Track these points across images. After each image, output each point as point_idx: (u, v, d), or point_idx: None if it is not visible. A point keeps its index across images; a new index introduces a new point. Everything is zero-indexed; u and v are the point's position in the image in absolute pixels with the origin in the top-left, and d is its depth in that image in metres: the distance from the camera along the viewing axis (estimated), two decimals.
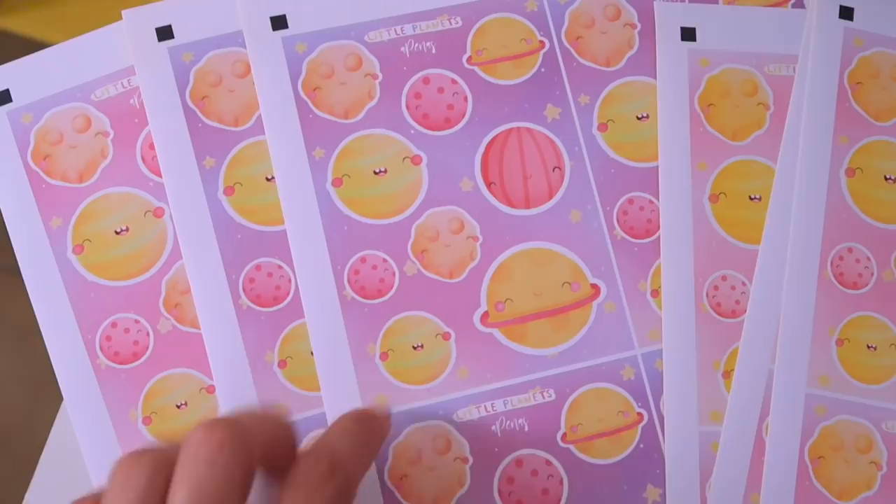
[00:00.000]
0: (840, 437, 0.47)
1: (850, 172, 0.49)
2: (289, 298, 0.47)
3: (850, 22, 0.50)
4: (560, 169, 0.48)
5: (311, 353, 0.47)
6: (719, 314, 0.48)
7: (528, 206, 0.49)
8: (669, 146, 0.49)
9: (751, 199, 0.49)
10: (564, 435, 0.47)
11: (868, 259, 0.48)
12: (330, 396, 0.46)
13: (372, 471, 0.46)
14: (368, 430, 0.40)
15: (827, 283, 0.48)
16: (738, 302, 0.48)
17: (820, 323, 0.48)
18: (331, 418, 0.46)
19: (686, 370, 0.47)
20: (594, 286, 0.48)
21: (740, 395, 0.47)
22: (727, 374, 0.48)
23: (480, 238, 0.48)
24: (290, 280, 0.47)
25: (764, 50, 0.50)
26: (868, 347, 0.48)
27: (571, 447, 0.47)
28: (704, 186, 0.49)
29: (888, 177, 0.49)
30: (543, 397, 0.47)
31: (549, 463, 0.47)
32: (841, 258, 0.48)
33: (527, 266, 0.48)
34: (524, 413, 0.47)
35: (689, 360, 0.48)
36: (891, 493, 0.47)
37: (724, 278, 0.48)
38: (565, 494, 0.47)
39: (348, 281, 0.47)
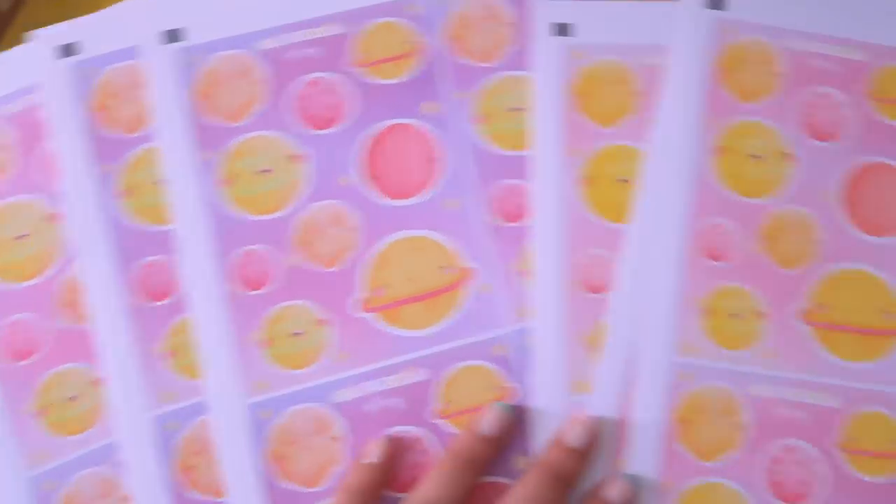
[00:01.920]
0: (704, 402, 0.48)
1: (717, 152, 0.50)
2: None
3: (720, 11, 0.51)
4: (437, 161, 0.51)
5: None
6: (588, 290, 0.49)
7: (406, 197, 0.50)
8: (542, 134, 0.51)
9: (620, 181, 0.50)
10: (438, 411, 0.49)
11: (733, 232, 0.49)
12: (214, 384, 0.50)
13: (250, 453, 0.48)
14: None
15: (693, 255, 0.49)
16: (606, 278, 0.50)
17: (686, 294, 0.48)
18: (214, 405, 0.50)
19: (554, 344, 0.49)
20: (467, 269, 0.50)
21: (607, 366, 0.49)
22: (595, 347, 0.49)
23: (360, 229, 0.50)
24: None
25: (637, 41, 0.52)
26: (732, 316, 0.49)
27: (445, 422, 0.49)
28: (575, 171, 0.51)
29: (754, 155, 0.49)
30: (418, 376, 0.49)
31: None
32: (707, 232, 0.50)
33: (404, 253, 0.50)
34: (399, 392, 0.49)
35: (558, 335, 0.49)
36: (754, 450, 0.48)
37: (592, 256, 0.50)
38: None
39: (233, 274, 0.50)
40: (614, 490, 0.47)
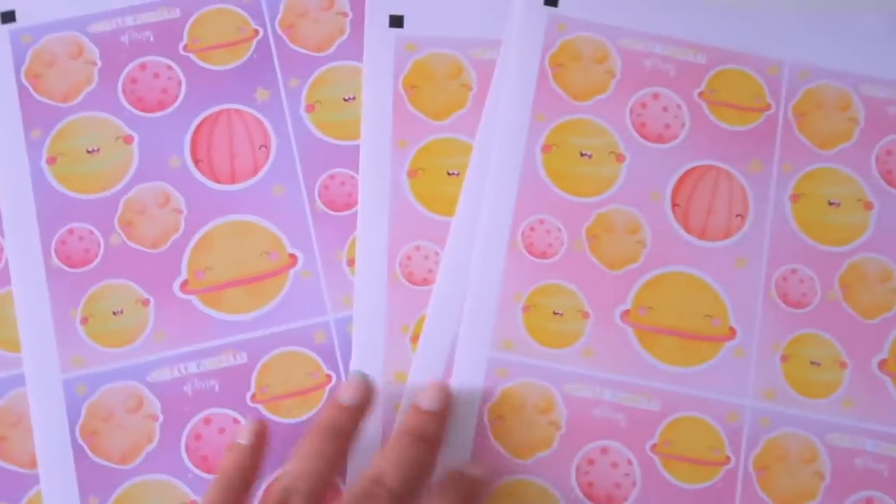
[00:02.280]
0: (521, 399, 0.49)
1: (546, 149, 0.51)
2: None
3: (554, 8, 0.52)
4: (266, 147, 0.52)
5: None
6: (411, 282, 0.50)
7: (233, 182, 0.51)
8: (371, 125, 0.52)
9: (449, 174, 0.51)
10: (254, 395, 0.49)
11: (559, 230, 0.51)
12: (30, 357, 0.51)
13: (63, 428, 0.48)
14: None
15: (517, 251, 0.50)
16: (430, 271, 0.51)
17: (507, 289, 0.49)
18: (29, 378, 0.50)
19: (374, 333, 0.50)
20: (292, 256, 0.50)
21: (424, 357, 0.49)
22: (415, 338, 0.50)
23: (185, 211, 0.51)
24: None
25: (470, 35, 0.53)
26: (554, 314, 0.50)
27: (260, 406, 0.49)
28: (403, 162, 0.52)
29: (583, 153, 0.51)
30: (235, 360, 0.50)
31: (236, 421, 0.49)
32: (532, 229, 0.51)
33: (228, 237, 0.51)
34: (216, 374, 0.50)
35: (378, 324, 0.50)
36: (567, 449, 0.49)
37: (417, 248, 0.51)
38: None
39: (55, 251, 0.50)
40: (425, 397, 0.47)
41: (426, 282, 0.50)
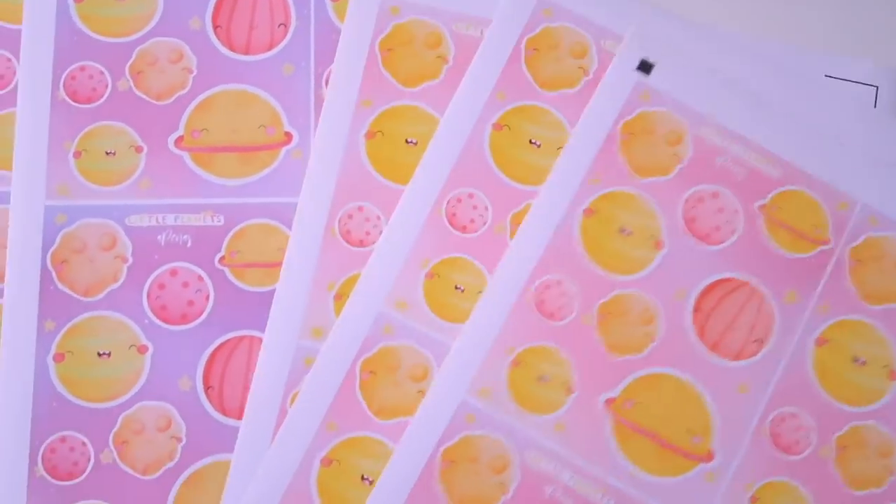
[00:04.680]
0: (399, 359, 0.49)
1: (498, 127, 0.52)
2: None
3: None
4: (285, 26, 0.53)
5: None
6: (347, 241, 0.51)
7: (246, 53, 0.53)
8: (340, 79, 0.52)
9: (407, 142, 0.51)
10: (223, 258, 0.51)
11: (486, 208, 0.51)
12: (18, 179, 0.52)
13: (37, 250, 0.50)
14: None
15: (437, 219, 0.51)
16: (368, 233, 0.51)
17: (416, 255, 0.50)
18: (14, 198, 0.51)
19: (299, 284, 0.50)
20: (287, 133, 0.52)
21: (347, 318, 0.49)
22: (339, 297, 0.50)
23: (195, 71, 0.52)
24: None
25: (457, 9, 0.53)
26: (456, 288, 0.50)
27: (226, 269, 0.51)
28: (364, 122, 0.52)
29: (532, 141, 0.52)
30: (213, 220, 0.51)
31: (200, 279, 0.50)
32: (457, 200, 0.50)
33: (230, 104, 0.52)
34: (191, 230, 0.51)
35: (305, 276, 0.50)
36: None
37: (360, 209, 0.51)
38: (208, 310, 0.50)
39: (63, 84, 0.53)
40: None
41: (362, 243, 0.50)
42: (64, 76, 0.52)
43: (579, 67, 0.52)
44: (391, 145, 0.51)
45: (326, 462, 0.48)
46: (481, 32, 0.52)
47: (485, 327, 0.48)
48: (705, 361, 0.48)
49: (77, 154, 0.51)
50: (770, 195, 0.50)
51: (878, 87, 0.51)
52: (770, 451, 0.48)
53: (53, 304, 0.50)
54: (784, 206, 0.50)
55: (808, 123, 0.50)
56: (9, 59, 0.52)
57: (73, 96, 0.51)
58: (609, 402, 0.48)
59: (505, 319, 0.48)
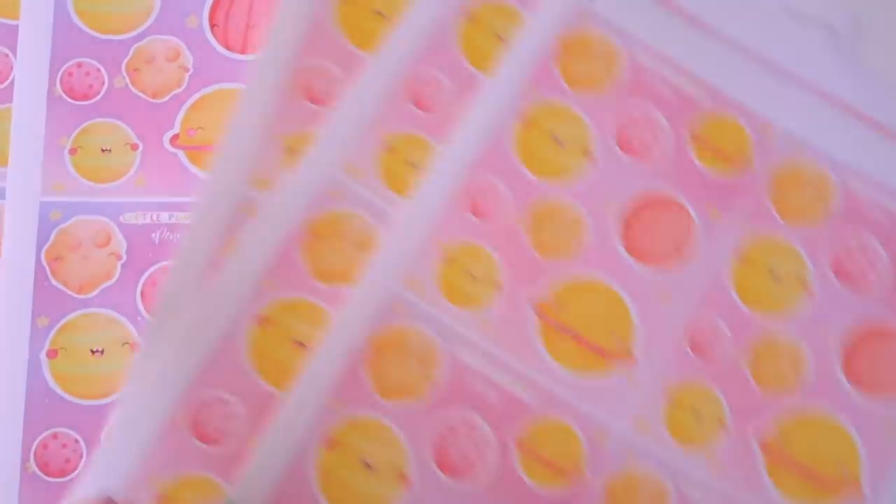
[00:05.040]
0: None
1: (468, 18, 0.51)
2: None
3: None
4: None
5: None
6: (307, 97, 0.51)
7: (243, 52, 0.53)
8: None
9: (376, 12, 0.52)
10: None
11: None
12: (14, 174, 0.52)
13: (31, 247, 0.51)
14: None
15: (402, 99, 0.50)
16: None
17: (378, 129, 0.50)
18: (10, 193, 0.52)
19: (251, 133, 0.50)
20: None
21: (300, 177, 0.50)
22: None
23: (191, 70, 0.53)
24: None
25: None
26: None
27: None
28: None
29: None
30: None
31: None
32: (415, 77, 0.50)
33: (226, 103, 0.52)
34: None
35: (255, 125, 0.50)
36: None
37: (323, 69, 0.51)
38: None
39: (60, 80, 0.54)
40: None
41: (320, 101, 0.50)
42: (61, 72, 0.52)
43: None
44: None
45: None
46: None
47: (417, 222, 0.49)
48: (630, 269, 0.50)
49: (73, 151, 0.51)
50: (697, 117, 0.51)
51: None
52: (688, 355, 0.49)
53: (47, 300, 0.50)
54: (711, 130, 0.51)
55: (737, 45, 0.53)
56: (6, 55, 0.52)
57: (70, 93, 0.51)
58: (536, 302, 0.48)
59: (437, 216, 0.49)
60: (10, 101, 0.52)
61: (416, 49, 0.51)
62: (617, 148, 0.51)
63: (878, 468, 0.49)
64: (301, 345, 0.48)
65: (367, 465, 0.47)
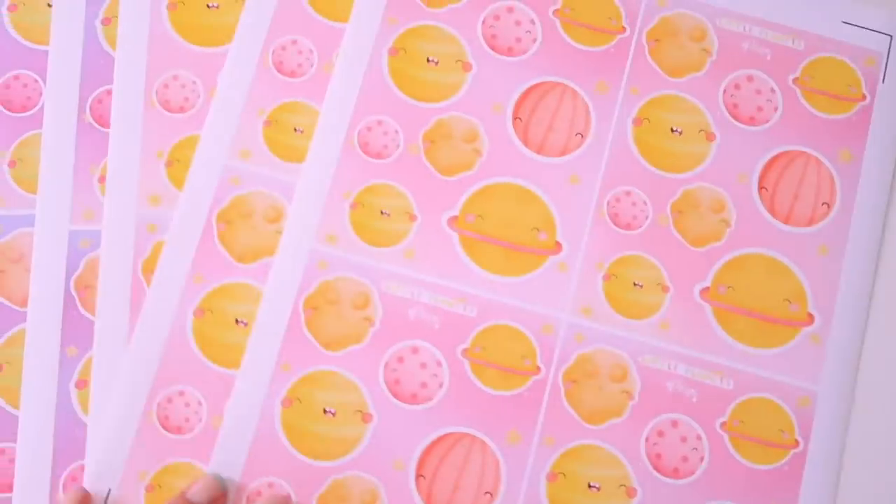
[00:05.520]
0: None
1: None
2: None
3: None
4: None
5: None
6: (167, 109, 0.52)
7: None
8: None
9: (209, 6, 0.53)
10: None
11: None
12: (44, 201, 0.52)
13: (60, 276, 0.51)
14: None
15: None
16: (186, 98, 0.52)
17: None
18: (39, 220, 0.51)
19: (130, 155, 0.51)
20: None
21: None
22: (169, 164, 0.52)
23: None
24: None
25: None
26: (382, 213, 0.52)
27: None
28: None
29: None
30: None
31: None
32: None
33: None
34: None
35: (133, 147, 0.52)
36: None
37: (175, 77, 0.52)
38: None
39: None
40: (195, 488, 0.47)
41: (182, 109, 0.52)
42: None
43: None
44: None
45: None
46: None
47: (318, 178, 0.51)
48: (534, 163, 0.51)
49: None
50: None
51: None
52: (612, 230, 0.51)
53: (75, 329, 0.51)
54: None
55: None
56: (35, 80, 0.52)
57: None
58: (451, 219, 0.51)
59: (335, 167, 0.51)
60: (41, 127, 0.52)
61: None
62: (489, 50, 0.52)
63: (822, 293, 0.51)
64: (243, 323, 0.50)
65: (328, 412, 0.49)
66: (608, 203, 0.51)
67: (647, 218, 0.51)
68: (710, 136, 0.51)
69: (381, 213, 0.50)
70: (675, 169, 0.51)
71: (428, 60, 0.52)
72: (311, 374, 0.49)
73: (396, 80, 0.51)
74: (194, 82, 0.52)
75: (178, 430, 0.49)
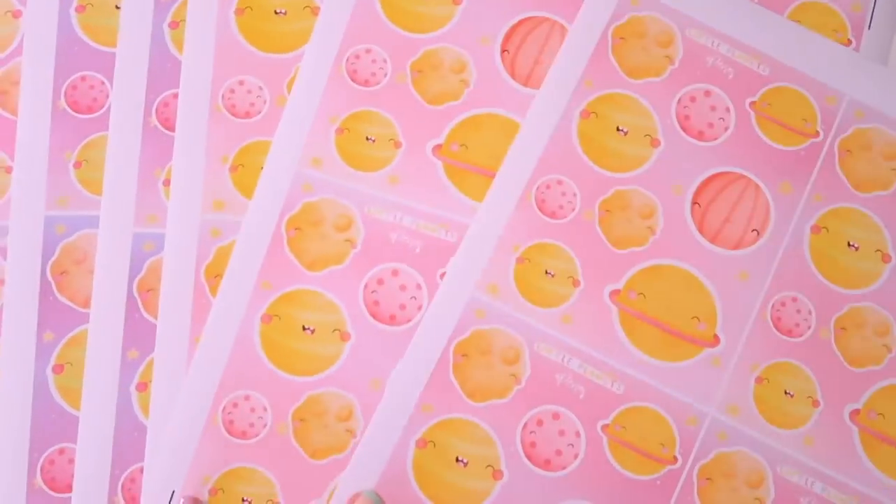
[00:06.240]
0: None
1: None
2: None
3: None
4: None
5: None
6: (233, 114, 0.52)
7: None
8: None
9: (276, 12, 0.55)
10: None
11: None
12: (109, 202, 0.52)
13: (123, 278, 0.51)
14: None
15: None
16: (252, 104, 0.53)
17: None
18: (104, 221, 0.52)
19: (195, 160, 0.52)
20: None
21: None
22: (234, 169, 0.52)
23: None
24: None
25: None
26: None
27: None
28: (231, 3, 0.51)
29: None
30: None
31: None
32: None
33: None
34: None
35: (198, 151, 0.52)
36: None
37: (241, 82, 0.53)
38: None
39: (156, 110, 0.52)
40: None
41: (248, 115, 0.52)
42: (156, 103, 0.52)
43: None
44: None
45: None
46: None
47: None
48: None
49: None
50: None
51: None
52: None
53: (137, 334, 0.51)
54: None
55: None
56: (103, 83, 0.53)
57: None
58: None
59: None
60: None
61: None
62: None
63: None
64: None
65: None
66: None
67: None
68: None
69: (367, 139, 0.51)
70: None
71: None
72: (292, 292, 0.50)
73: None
74: (260, 88, 0.52)
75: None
